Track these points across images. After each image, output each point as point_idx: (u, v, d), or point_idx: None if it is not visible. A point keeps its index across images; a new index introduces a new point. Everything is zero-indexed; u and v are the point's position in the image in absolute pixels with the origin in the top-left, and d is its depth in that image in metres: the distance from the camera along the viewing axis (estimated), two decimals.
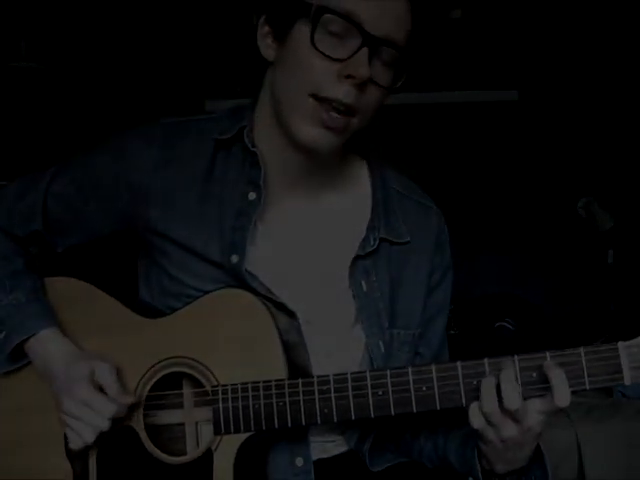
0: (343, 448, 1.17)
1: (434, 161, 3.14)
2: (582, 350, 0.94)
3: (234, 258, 1.09)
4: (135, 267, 1.20)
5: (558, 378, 0.92)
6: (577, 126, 3.15)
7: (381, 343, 1.13)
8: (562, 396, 0.92)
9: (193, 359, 1.05)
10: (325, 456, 1.15)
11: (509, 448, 0.97)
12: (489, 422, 0.95)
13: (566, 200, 3.08)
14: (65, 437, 1.08)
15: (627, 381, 0.93)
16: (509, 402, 0.93)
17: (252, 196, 1.11)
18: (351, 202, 1.18)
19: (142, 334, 1.08)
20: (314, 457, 1.10)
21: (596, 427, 2.13)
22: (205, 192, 1.12)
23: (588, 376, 0.93)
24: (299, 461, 1.07)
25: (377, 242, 1.14)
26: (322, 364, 1.04)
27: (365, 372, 1.00)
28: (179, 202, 1.11)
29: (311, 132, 1.03)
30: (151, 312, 1.11)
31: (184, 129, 1.16)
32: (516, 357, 0.96)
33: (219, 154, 1.14)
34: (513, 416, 0.94)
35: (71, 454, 1.07)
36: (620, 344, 0.94)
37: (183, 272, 1.11)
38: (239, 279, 1.08)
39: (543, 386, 0.94)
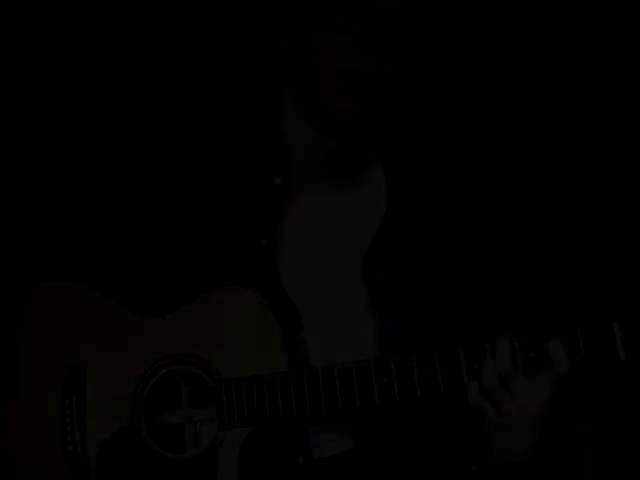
0: (344, 447, 1.17)
1: (442, 158, 3.14)
2: (578, 330, 1.00)
3: (264, 241, 1.11)
4: (136, 271, 1.20)
5: (555, 346, 0.98)
6: (577, 126, 3.14)
7: (393, 337, 1.14)
8: (561, 361, 0.98)
9: (195, 356, 1.06)
10: (326, 455, 1.15)
11: (509, 429, 1.00)
12: (491, 400, 0.99)
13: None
14: (63, 438, 1.07)
15: (622, 357, 0.99)
16: (500, 364, 0.98)
17: (278, 181, 1.13)
18: (367, 199, 1.20)
19: (143, 333, 1.09)
20: (315, 456, 1.10)
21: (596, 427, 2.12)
22: (230, 176, 1.15)
23: (585, 354, 0.99)
24: (300, 460, 1.08)
25: (391, 237, 1.17)
26: (331, 358, 1.05)
27: (369, 360, 1.02)
28: (204, 186, 1.14)
29: (345, 103, 1.07)
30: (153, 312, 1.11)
31: (208, 112, 1.19)
32: (515, 338, 1.00)
33: (243, 140, 1.17)
34: (508, 386, 0.98)
35: (70, 456, 1.06)
36: (615, 323, 0.99)
37: (206, 257, 1.12)
38: (267, 263, 1.10)
39: (542, 366, 0.99)
